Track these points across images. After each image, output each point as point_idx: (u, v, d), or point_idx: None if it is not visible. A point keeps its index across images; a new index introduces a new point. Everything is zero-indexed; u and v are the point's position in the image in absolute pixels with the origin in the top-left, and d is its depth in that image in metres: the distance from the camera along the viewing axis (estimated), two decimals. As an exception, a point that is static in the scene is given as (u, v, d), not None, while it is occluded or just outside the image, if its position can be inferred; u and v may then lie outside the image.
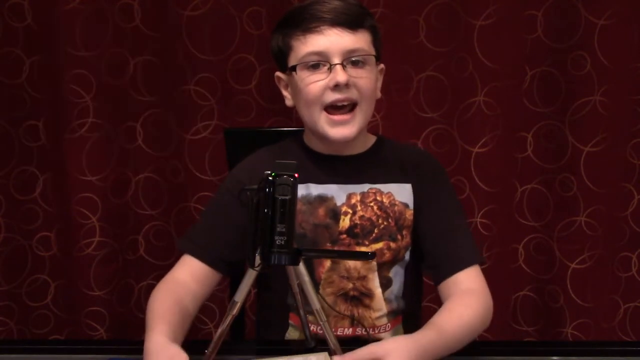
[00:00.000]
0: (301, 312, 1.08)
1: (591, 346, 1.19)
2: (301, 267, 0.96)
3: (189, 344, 1.01)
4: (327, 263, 1.19)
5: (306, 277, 0.97)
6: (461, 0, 1.76)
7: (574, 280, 1.84)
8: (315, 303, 0.98)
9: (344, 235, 1.18)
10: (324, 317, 0.98)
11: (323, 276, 1.19)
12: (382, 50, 1.19)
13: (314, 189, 1.18)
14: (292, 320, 1.22)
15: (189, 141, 1.84)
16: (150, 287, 1.94)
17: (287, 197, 0.86)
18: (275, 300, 1.24)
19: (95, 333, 1.89)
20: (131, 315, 1.91)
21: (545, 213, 1.85)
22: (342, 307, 1.19)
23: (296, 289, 1.04)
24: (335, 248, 1.17)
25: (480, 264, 1.17)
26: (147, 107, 1.84)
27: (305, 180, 1.17)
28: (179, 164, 1.85)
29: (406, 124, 1.81)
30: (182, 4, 1.78)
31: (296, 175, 0.87)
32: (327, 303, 1.13)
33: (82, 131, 1.83)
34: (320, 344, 1.13)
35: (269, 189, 0.87)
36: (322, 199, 1.18)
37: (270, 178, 0.87)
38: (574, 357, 1.11)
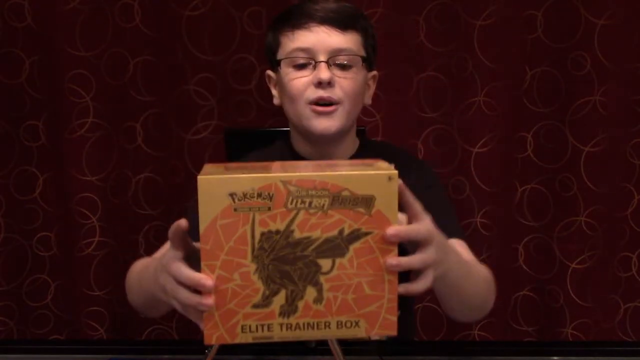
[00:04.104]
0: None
1: (591, 346, 1.19)
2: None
3: (189, 344, 1.00)
4: None
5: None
6: (461, 0, 1.76)
7: (574, 280, 1.84)
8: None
9: None
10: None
11: None
12: (376, 57, 1.15)
13: None
14: None
15: (189, 141, 1.84)
16: (150, 287, 1.96)
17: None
18: None
19: (95, 333, 1.89)
20: (131, 315, 1.91)
21: (545, 213, 1.84)
22: None
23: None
24: None
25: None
26: (147, 107, 1.84)
27: None
28: (179, 164, 1.85)
29: (406, 124, 1.81)
30: (182, 4, 1.78)
31: None
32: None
33: (82, 131, 1.83)
34: (320, 344, 1.13)
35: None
36: None
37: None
38: (574, 357, 1.11)
